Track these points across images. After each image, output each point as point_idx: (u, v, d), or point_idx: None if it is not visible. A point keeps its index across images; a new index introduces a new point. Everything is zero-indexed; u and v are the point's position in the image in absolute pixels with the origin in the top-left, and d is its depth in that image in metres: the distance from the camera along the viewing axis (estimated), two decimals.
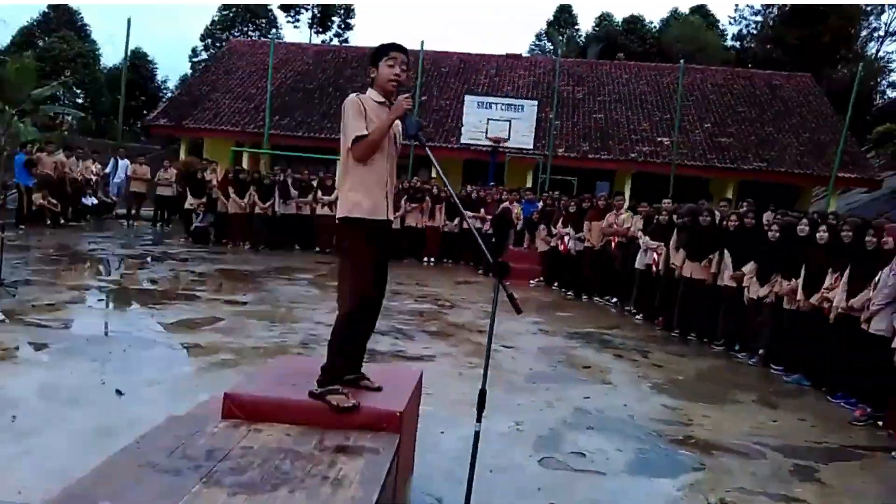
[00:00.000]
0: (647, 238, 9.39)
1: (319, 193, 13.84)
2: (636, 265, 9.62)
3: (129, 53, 39.96)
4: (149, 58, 43.49)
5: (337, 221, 3.49)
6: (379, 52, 3.56)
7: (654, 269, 9.17)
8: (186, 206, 14.34)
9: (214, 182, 14.28)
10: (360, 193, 3.41)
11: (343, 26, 43.91)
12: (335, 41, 42.34)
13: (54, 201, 14.37)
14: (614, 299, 10.55)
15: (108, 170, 17.06)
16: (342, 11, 43.32)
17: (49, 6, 41.21)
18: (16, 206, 13.98)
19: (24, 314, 6.71)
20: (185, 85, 23.92)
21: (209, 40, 41.98)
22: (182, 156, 21.42)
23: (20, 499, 3.17)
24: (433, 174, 19.34)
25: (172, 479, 2.60)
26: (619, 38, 38.48)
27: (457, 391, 5.38)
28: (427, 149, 3.37)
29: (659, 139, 20.92)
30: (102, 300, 8.10)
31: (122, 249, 12.31)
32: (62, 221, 14.53)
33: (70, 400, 4.53)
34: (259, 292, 9.09)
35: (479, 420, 2.93)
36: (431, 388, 5.27)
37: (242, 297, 8.64)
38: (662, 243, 9.06)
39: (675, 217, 9.06)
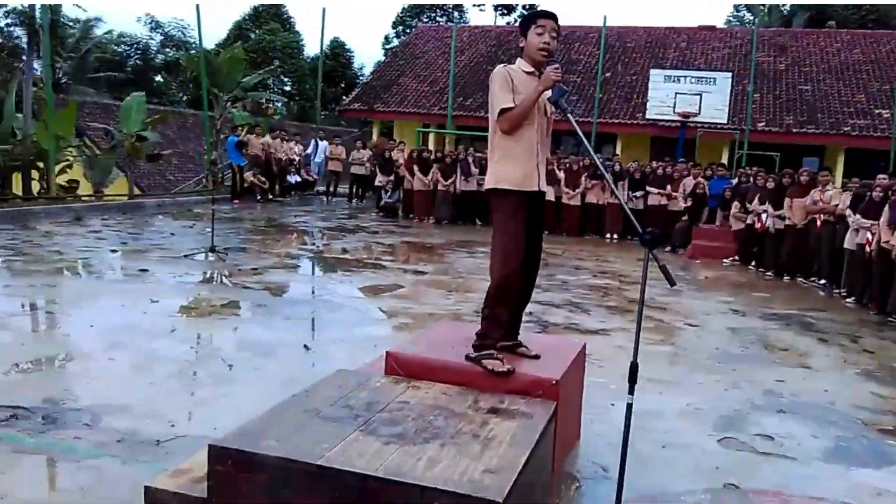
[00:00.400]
0: (858, 216, 8.45)
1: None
2: (846, 245, 8.73)
3: (328, 43, 42.57)
4: (346, 47, 46.32)
5: (486, 193, 3.49)
6: (527, 21, 3.48)
7: (867, 249, 8.24)
8: (376, 183, 15.14)
9: (401, 161, 14.89)
10: (507, 164, 3.38)
11: (527, 8, 43.66)
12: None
13: (263, 179, 15.78)
14: (822, 281, 9.65)
15: (309, 150, 18.43)
16: None
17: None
18: (230, 184, 15.55)
19: (231, 276, 7.46)
20: (376, 71, 25.11)
21: (400, 27, 43.67)
22: (374, 137, 22.60)
23: (215, 434, 3.55)
24: (617, 151, 18.80)
25: (333, 426, 2.75)
26: (830, 8, 34.71)
27: (624, 365, 5.19)
28: (570, 117, 3.23)
29: (877, 111, 18.70)
30: (300, 266, 8.78)
31: (320, 222, 13.26)
32: (270, 197, 15.93)
33: (264, 352, 4.96)
34: (439, 263, 9.38)
35: (630, 392, 2.81)
36: (604, 362, 5.16)
37: (424, 268, 8.97)
38: (876, 222, 8.10)
39: (890, 193, 8.06)
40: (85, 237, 9.38)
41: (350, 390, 3.18)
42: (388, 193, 14.65)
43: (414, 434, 2.73)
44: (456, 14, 42.91)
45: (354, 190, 17.20)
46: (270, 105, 20.53)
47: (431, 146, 18.32)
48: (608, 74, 20.98)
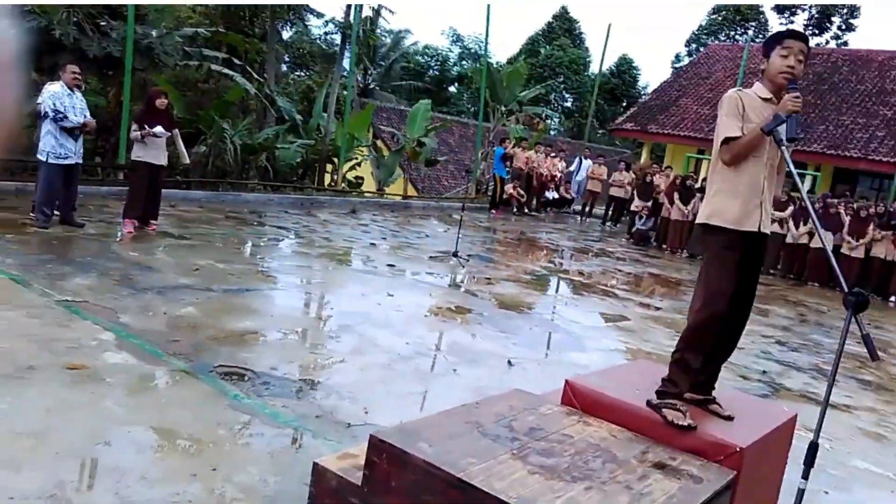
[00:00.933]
0: None
1: (772, 208, 12.79)
2: None
3: (615, 60, 42.20)
4: (633, 64, 45.68)
5: (697, 225, 3.28)
6: (772, 41, 3.18)
7: None
8: (632, 207, 14.79)
9: (662, 186, 14.37)
10: (725, 199, 3.12)
11: (843, 27, 39.31)
12: (832, 44, 38.18)
13: (522, 192, 16.26)
14: None
15: (572, 168, 18.58)
16: (844, 11, 38.77)
17: (554, 16, 46.14)
18: (490, 194, 16.26)
19: (464, 282, 7.86)
20: (657, 90, 24.47)
21: (693, 45, 41.94)
22: (643, 159, 22.06)
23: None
24: None
25: (487, 443, 2.81)
26: None
27: (859, 450, 4.53)
28: (785, 152, 2.91)
29: None
30: (532, 282, 8.94)
31: (567, 241, 13.32)
32: (526, 211, 16.36)
33: (470, 359, 5.17)
34: (676, 300, 8.92)
35: (804, 476, 2.48)
36: (831, 443, 4.55)
37: (658, 303, 8.60)
38: None
39: None
40: (353, 228, 10.49)
41: (519, 412, 3.21)
42: (643, 220, 14.22)
43: (564, 470, 2.68)
44: (762, 35, 40.16)
45: (610, 212, 16.96)
46: (542, 120, 21.01)
47: (703, 175, 17.40)
48: None
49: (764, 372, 6.15)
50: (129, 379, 3.88)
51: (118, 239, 7.31)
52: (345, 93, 15.60)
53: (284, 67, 37.57)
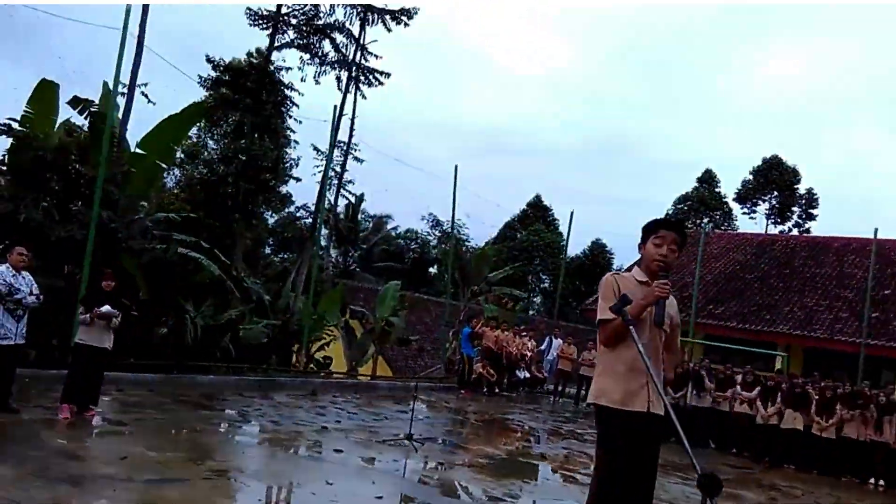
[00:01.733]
0: None
1: (738, 389, 12.68)
2: None
3: (588, 244, 43.77)
4: (607, 248, 47.45)
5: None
6: (648, 229, 3.34)
7: None
8: None
9: None
10: (608, 380, 3.13)
11: (804, 216, 41.48)
12: (794, 231, 40.08)
13: (492, 371, 16.07)
14: None
15: (542, 347, 18.54)
16: (803, 201, 41.14)
17: (528, 204, 48.42)
18: (458, 373, 16.05)
19: (413, 469, 7.47)
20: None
21: None
22: None
23: None
24: None
25: None
26: None
27: None
28: (635, 338, 2.92)
29: None
30: (487, 468, 8.51)
31: (535, 422, 12.94)
32: (496, 390, 16.07)
33: None
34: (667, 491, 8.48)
35: None
36: None
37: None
38: None
39: None
40: (308, 411, 10.16)
41: None
42: None
43: None
44: (727, 224, 42.10)
45: (582, 393, 16.67)
46: (510, 300, 21.31)
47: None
48: (887, 292, 18.65)
49: None
50: None
51: (54, 424, 6.99)
52: (322, 273, 15.85)
53: (268, 250, 38.60)
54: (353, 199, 37.52)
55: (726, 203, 43.19)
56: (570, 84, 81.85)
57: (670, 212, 44.31)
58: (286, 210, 33.52)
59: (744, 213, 44.12)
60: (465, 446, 9.30)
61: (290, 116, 19.86)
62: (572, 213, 21.17)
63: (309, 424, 9.16)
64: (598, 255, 47.62)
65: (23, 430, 6.61)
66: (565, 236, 48.27)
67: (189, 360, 12.13)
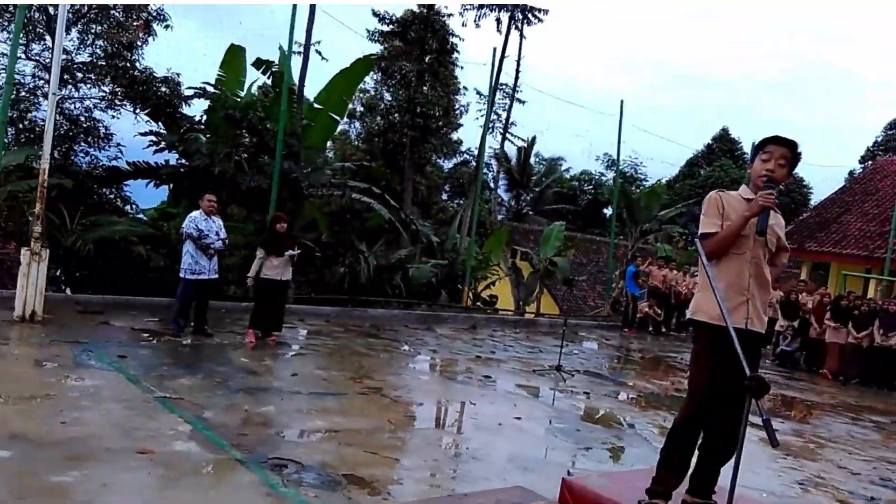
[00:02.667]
0: None
1: None
2: None
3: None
4: (804, 182, 43.65)
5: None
6: (757, 146, 3.26)
7: None
8: (776, 327, 13.84)
9: (810, 305, 13.41)
10: (708, 295, 3.12)
11: None
12: None
13: (659, 311, 15.80)
14: None
15: None
16: None
17: (713, 138, 45.59)
18: (623, 312, 15.95)
19: (554, 391, 7.78)
20: (816, 207, 23.16)
21: (869, 162, 39.36)
22: (803, 277, 20.66)
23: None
24: None
25: None
26: None
27: None
28: (698, 243, 2.91)
29: None
30: (634, 401, 8.60)
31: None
32: (663, 330, 15.82)
33: (522, 468, 5.14)
34: (795, 423, 8.18)
35: None
36: None
37: (814, 430, 7.94)
38: None
39: None
40: (466, 342, 10.78)
41: None
42: (787, 341, 13.25)
43: None
44: None
45: None
46: (681, 238, 20.51)
47: (873, 295, 16.07)
48: None
49: (872, 499, 5.50)
50: (187, 464, 4.34)
51: (241, 346, 8.13)
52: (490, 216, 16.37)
53: (445, 196, 39.91)
54: (524, 142, 37.59)
55: None
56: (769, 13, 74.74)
57: (879, 139, 39.68)
58: (458, 156, 34.29)
59: None
60: (616, 380, 9.42)
61: (454, 63, 20.24)
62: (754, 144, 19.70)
63: (464, 353, 9.76)
64: (795, 191, 44.05)
65: (214, 350, 7.77)
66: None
67: (364, 296, 13.23)
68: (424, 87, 24.27)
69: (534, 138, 40.08)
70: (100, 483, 3.84)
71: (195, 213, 8.21)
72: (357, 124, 26.46)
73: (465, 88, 22.61)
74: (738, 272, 3.13)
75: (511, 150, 38.94)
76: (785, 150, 3.19)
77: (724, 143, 45.61)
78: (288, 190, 12.31)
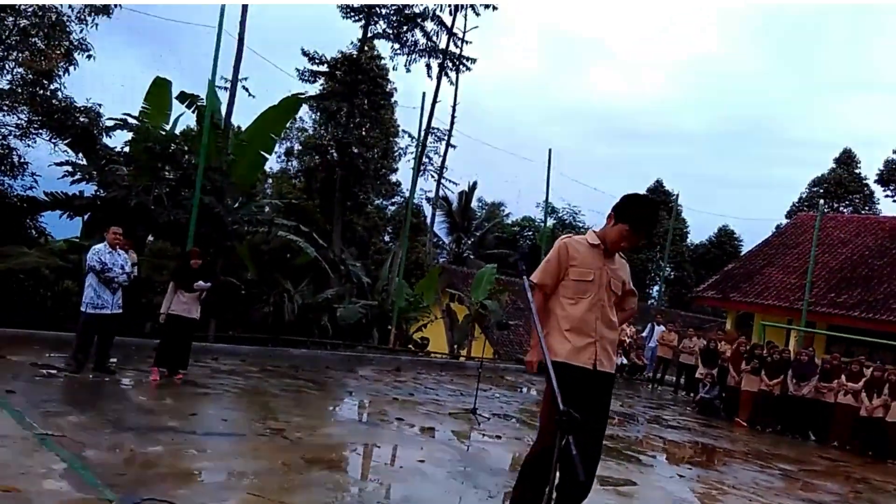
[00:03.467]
0: None
1: (844, 379, 11.88)
2: None
3: (714, 231, 41.88)
4: (735, 235, 45.26)
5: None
6: (623, 216, 3.31)
7: None
8: (697, 374, 14.12)
9: (728, 353, 13.72)
10: (556, 337, 3.18)
11: None
12: None
13: None
14: None
15: (644, 334, 18.11)
16: None
17: (648, 189, 46.97)
18: None
19: (465, 438, 7.68)
20: (740, 259, 23.98)
21: (794, 217, 41.13)
22: (728, 327, 21.23)
23: None
24: None
25: None
26: None
27: None
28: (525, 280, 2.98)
29: None
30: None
31: (620, 407, 12.76)
32: None
33: None
34: (712, 471, 8.26)
35: None
36: None
37: (683, 471, 7.99)
38: None
39: None
40: (386, 384, 10.62)
41: None
42: (707, 388, 13.48)
43: None
44: (867, 207, 38.94)
45: (681, 381, 16.20)
46: None
47: (792, 346, 16.57)
48: None
49: None
50: (52, 503, 4.09)
51: (144, 385, 7.80)
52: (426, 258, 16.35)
53: (387, 237, 39.89)
54: (460, 186, 38.02)
55: (867, 185, 39.86)
56: (700, 69, 78.26)
57: (804, 195, 41.50)
58: (399, 197, 34.42)
59: (887, 196, 40.53)
60: (530, 422, 9.38)
61: (390, 106, 20.45)
62: (677, 195, 20.39)
63: (382, 395, 9.61)
64: (726, 242, 45.56)
65: (112, 387, 7.45)
66: (692, 223, 46.65)
67: (287, 336, 12.98)
68: (364, 128, 24.45)
69: (475, 183, 40.66)
70: None
71: (99, 246, 7.95)
72: (295, 162, 26.38)
73: (404, 132, 22.84)
74: (585, 314, 3.18)
75: (452, 195, 39.39)
76: (648, 230, 3.27)
77: (658, 195, 47.06)
78: (210, 225, 12.07)
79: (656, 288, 46.06)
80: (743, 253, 42.65)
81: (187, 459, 5.32)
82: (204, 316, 10.35)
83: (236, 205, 13.33)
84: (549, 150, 17.09)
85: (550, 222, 46.46)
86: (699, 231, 55.75)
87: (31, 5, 12.09)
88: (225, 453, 5.70)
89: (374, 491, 5.29)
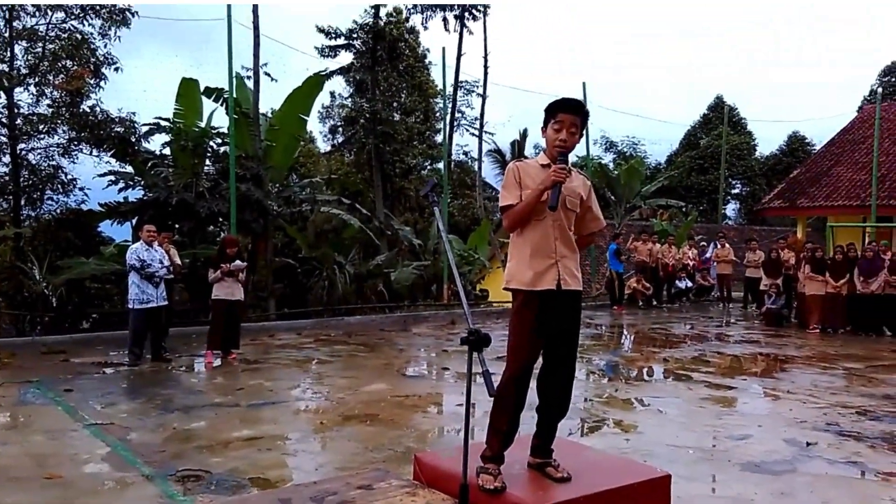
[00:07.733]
0: None
1: None
2: None
3: (784, 138, 40.15)
4: (806, 140, 43.03)
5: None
6: (547, 113, 3.20)
7: None
8: (761, 286, 13.69)
9: (791, 261, 13.24)
10: (517, 264, 3.16)
11: None
12: None
13: (647, 285, 15.68)
14: None
15: (707, 254, 17.62)
16: None
17: (709, 107, 45.22)
18: (609, 290, 15.86)
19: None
20: (806, 163, 22.84)
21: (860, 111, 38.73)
22: (799, 235, 20.38)
23: None
24: None
25: None
26: None
27: None
28: (436, 211, 2.96)
29: None
30: (595, 372, 8.52)
31: (684, 328, 12.56)
32: (654, 303, 15.69)
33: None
34: (767, 379, 8.07)
35: None
36: None
37: (737, 383, 7.84)
38: None
39: None
40: (438, 339, 10.79)
41: (352, 489, 3.24)
42: (772, 298, 13.06)
43: None
44: None
45: (749, 295, 15.72)
46: (664, 211, 20.34)
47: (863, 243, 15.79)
48: None
49: (808, 444, 5.41)
50: (91, 484, 4.41)
51: (196, 368, 8.21)
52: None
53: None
54: (517, 136, 37.44)
55: None
56: None
57: (874, 86, 38.95)
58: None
59: None
60: (582, 355, 9.36)
61: (426, 68, 20.23)
62: (727, 108, 19.53)
63: (432, 349, 9.78)
64: (798, 149, 43.38)
65: (165, 374, 7.86)
66: (759, 134, 44.66)
67: (343, 305, 13.30)
68: (402, 94, 24.36)
69: (525, 130, 39.98)
70: None
71: (136, 245, 8.34)
72: (340, 138, 26.63)
73: (440, 91, 22.66)
74: (543, 237, 3.15)
75: (505, 146, 38.87)
76: (574, 117, 3.17)
77: (719, 112, 45.10)
78: (252, 212, 12.41)
79: (730, 206, 44.59)
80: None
81: (226, 430, 5.59)
82: (262, 298, 10.72)
83: (276, 189, 13.63)
84: (584, 83, 16.63)
85: (610, 157, 45.50)
86: (769, 143, 53.35)
87: (54, 27, 12.58)
88: (265, 420, 5.96)
89: (403, 438, 5.44)
